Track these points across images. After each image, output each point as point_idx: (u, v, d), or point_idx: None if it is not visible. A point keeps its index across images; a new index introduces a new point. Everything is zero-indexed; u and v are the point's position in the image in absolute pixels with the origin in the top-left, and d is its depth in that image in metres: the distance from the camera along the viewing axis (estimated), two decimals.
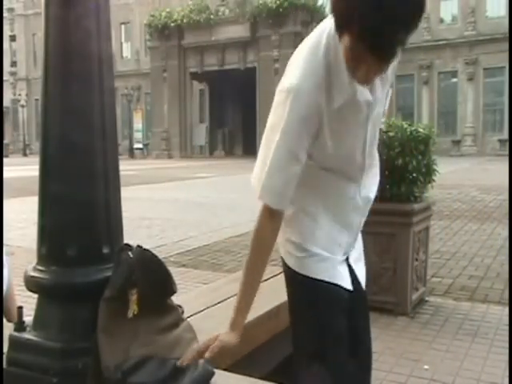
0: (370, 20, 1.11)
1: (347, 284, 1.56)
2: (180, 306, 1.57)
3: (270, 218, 1.43)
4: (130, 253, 1.43)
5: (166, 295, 1.53)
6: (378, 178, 1.71)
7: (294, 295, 1.61)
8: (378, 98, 1.42)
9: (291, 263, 1.59)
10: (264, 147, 1.41)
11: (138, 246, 1.49)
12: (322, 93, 1.32)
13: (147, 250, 1.49)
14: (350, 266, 1.60)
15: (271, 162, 1.37)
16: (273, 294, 2.23)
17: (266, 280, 2.46)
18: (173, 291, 1.54)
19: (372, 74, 1.26)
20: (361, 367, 1.64)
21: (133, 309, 1.40)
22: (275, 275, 2.55)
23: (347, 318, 1.55)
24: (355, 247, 1.65)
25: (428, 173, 3.69)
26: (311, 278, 1.52)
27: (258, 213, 1.44)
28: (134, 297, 1.40)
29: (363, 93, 1.35)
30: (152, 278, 1.47)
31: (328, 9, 33.82)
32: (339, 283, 1.54)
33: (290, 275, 1.61)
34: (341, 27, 1.20)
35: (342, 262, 1.59)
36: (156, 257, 1.51)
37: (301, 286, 1.56)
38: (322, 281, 1.52)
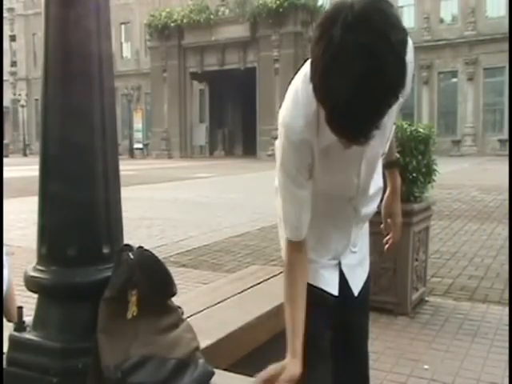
0: (339, 115, 1.03)
1: (331, 288, 1.58)
2: (179, 308, 1.57)
3: (296, 249, 1.48)
4: (130, 254, 1.43)
5: (166, 297, 1.53)
6: (379, 197, 1.74)
7: None
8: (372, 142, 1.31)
9: None
10: (279, 190, 1.50)
11: (140, 246, 1.49)
12: (312, 129, 1.31)
13: (148, 251, 1.49)
14: (341, 272, 1.61)
15: (282, 199, 1.46)
16: (273, 294, 2.23)
17: (265, 280, 2.46)
18: (173, 293, 1.54)
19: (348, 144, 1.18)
20: (355, 374, 1.68)
21: (132, 310, 1.40)
22: (275, 275, 2.55)
23: (333, 324, 1.59)
24: (352, 253, 1.65)
25: (428, 173, 3.69)
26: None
27: (284, 246, 1.51)
28: (133, 298, 1.40)
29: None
30: (152, 280, 1.46)
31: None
32: (321, 286, 1.57)
33: None
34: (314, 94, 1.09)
35: (331, 266, 1.61)
36: (157, 258, 1.51)
37: None
38: (314, 287, 1.54)
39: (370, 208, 1.68)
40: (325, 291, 1.58)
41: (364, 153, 1.41)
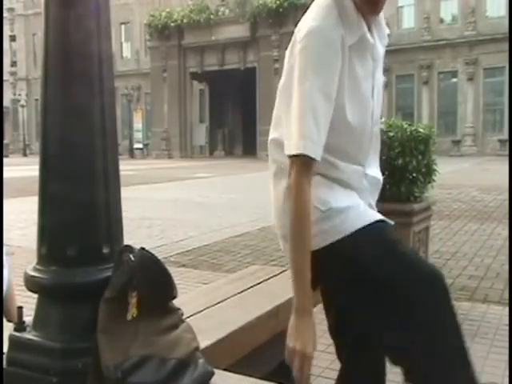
0: None
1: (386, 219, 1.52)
2: (179, 309, 1.57)
3: (307, 173, 1.34)
4: (131, 255, 1.43)
5: (166, 300, 1.53)
6: (378, 156, 1.72)
7: (359, 266, 1.40)
8: (379, 53, 1.48)
9: (331, 236, 1.41)
10: (296, 101, 1.35)
11: (142, 248, 1.49)
12: (340, 25, 1.35)
13: (149, 253, 1.49)
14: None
15: (303, 106, 1.32)
16: (273, 294, 2.23)
17: (265, 280, 2.46)
18: (173, 296, 1.53)
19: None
20: None
21: (132, 312, 1.40)
22: (275, 275, 2.55)
23: None
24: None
25: (428, 173, 3.69)
26: (361, 229, 1.40)
27: (291, 175, 1.34)
28: (133, 300, 1.40)
29: (367, 35, 1.41)
30: (153, 283, 1.46)
31: None
32: (383, 218, 1.49)
33: (336, 253, 1.42)
34: None
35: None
36: (158, 261, 1.50)
37: (357, 247, 1.39)
38: (371, 224, 1.42)
39: (377, 172, 1.69)
40: (387, 222, 1.49)
41: (375, 61, 1.47)
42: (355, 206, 1.44)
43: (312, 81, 1.32)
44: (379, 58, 1.48)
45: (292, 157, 1.34)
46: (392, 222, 1.51)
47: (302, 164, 1.33)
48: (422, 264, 1.41)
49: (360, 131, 1.45)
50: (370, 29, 1.43)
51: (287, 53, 1.46)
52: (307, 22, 1.37)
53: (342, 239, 1.39)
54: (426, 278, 1.35)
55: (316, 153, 1.33)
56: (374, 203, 1.61)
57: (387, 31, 1.52)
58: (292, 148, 1.33)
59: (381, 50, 1.48)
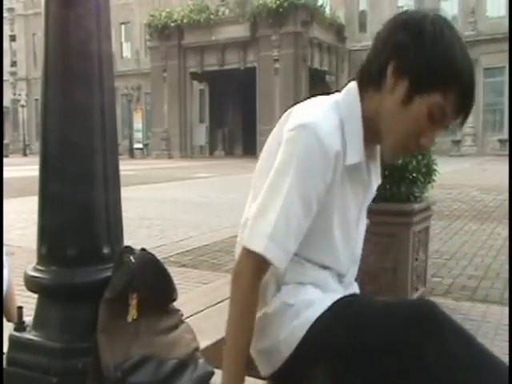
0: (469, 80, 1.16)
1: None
2: (179, 310, 1.57)
3: (262, 274, 1.18)
4: (131, 257, 1.42)
5: (166, 302, 1.52)
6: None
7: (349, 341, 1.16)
8: (371, 192, 1.33)
9: (301, 330, 1.21)
10: (268, 192, 1.17)
11: (142, 249, 1.49)
12: (339, 138, 1.17)
13: (150, 254, 1.49)
14: None
15: (282, 210, 1.13)
16: None
17: None
18: (173, 299, 1.53)
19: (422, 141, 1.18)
20: None
21: (132, 313, 1.40)
22: None
23: None
24: None
25: (428, 173, 3.69)
26: (327, 311, 1.21)
27: (242, 271, 1.16)
28: (134, 301, 1.40)
29: (364, 167, 1.24)
30: (153, 285, 1.46)
31: (328, 9, 33.83)
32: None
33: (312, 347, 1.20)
34: (426, 86, 1.13)
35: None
36: (159, 262, 1.50)
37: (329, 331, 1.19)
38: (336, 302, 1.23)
39: (354, 283, 1.38)
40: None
41: (365, 196, 1.30)
42: (324, 296, 1.24)
43: (293, 180, 1.13)
44: (369, 195, 1.31)
45: (251, 250, 1.15)
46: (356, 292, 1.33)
47: (261, 264, 1.15)
48: (404, 307, 1.19)
49: (342, 257, 1.27)
50: (367, 164, 1.25)
51: (273, 131, 1.28)
52: (301, 116, 1.18)
53: (310, 329, 1.20)
54: (415, 321, 1.11)
55: (282, 262, 1.15)
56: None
57: (379, 172, 1.37)
58: (255, 243, 1.14)
59: (375, 186, 1.33)
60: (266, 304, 1.24)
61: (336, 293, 1.25)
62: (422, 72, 1.13)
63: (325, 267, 1.26)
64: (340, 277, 1.29)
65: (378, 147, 1.28)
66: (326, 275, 1.26)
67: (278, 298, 1.23)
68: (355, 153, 1.18)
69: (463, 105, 1.16)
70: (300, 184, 1.13)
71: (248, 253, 1.16)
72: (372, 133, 1.19)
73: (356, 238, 1.30)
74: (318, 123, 1.14)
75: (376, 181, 1.35)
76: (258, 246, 1.14)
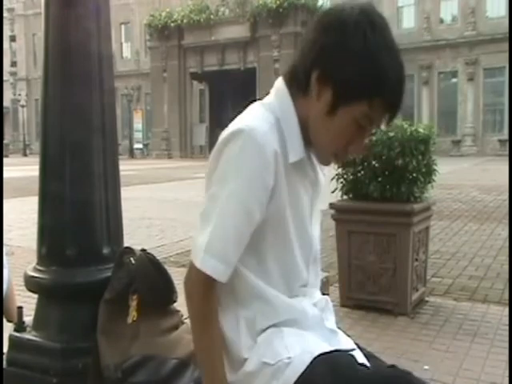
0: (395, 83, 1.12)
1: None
2: (179, 311, 1.57)
3: (209, 293, 1.15)
4: (132, 258, 1.42)
5: (166, 303, 1.52)
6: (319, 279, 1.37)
7: None
8: (319, 183, 1.29)
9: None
10: (207, 204, 1.15)
11: (143, 249, 1.49)
12: (277, 139, 1.13)
13: (150, 255, 1.48)
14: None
15: (218, 220, 1.11)
16: None
17: None
18: (173, 300, 1.53)
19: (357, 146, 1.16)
20: None
21: (132, 315, 1.40)
22: None
23: None
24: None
25: (428, 173, 3.69)
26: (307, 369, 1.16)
27: (194, 284, 1.15)
28: (134, 303, 1.40)
29: (306, 161, 1.21)
30: (153, 287, 1.46)
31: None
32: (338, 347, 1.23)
33: None
34: (351, 96, 1.10)
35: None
36: (159, 264, 1.50)
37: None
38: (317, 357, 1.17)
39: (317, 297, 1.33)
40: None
41: (316, 191, 1.27)
42: (306, 348, 1.18)
43: (230, 188, 1.10)
44: (318, 189, 1.27)
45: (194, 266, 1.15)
46: (350, 346, 1.26)
47: (206, 279, 1.13)
48: (382, 379, 1.19)
49: (301, 253, 1.24)
50: (310, 159, 1.23)
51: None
52: (236, 122, 1.14)
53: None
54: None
55: (221, 275, 1.13)
56: (331, 321, 1.31)
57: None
58: (194, 258, 1.14)
59: (322, 179, 1.30)
60: (242, 359, 1.19)
61: (310, 320, 1.22)
62: (346, 81, 1.09)
63: (286, 273, 1.22)
64: (301, 280, 1.25)
65: None
66: (293, 295, 1.23)
67: (256, 353, 1.18)
68: (296, 150, 1.15)
69: (390, 111, 1.13)
70: (238, 191, 1.10)
71: (191, 268, 1.14)
72: (306, 133, 1.17)
73: (312, 234, 1.26)
74: (251, 125, 1.11)
75: (322, 174, 1.32)
76: (196, 261, 1.13)
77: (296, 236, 1.21)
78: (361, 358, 1.23)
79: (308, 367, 1.14)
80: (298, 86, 1.16)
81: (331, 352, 1.17)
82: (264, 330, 1.20)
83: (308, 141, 1.17)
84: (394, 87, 1.11)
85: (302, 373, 1.13)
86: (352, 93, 1.09)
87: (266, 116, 1.15)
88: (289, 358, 1.15)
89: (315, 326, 1.24)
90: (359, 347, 1.30)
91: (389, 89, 1.10)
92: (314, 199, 1.25)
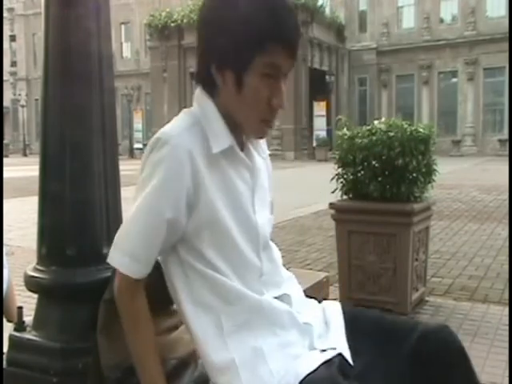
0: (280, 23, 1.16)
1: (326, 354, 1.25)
2: None
3: (130, 291, 1.21)
4: None
5: (165, 304, 1.52)
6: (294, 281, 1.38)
7: None
8: (256, 166, 1.30)
9: None
10: (132, 209, 1.20)
11: None
12: (194, 136, 1.19)
13: None
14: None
15: (131, 219, 1.19)
16: None
17: None
18: (172, 301, 1.53)
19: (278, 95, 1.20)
20: None
21: None
22: None
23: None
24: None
25: (428, 173, 3.69)
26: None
27: (116, 290, 1.22)
28: None
29: (236, 147, 1.24)
30: (153, 286, 1.46)
31: (328, 9, 33.83)
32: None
33: None
34: (237, 58, 1.16)
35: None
36: (158, 264, 1.50)
37: None
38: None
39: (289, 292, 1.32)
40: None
41: (254, 178, 1.28)
42: (291, 367, 1.18)
43: (147, 191, 1.17)
44: (257, 171, 1.29)
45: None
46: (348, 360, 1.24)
47: (126, 283, 1.21)
48: None
49: (248, 249, 1.24)
50: (242, 142, 1.28)
51: None
52: (159, 131, 1.21)
53: None
54: None
55: (132, 271, 1.19)
56: (304, 313, 1.30)
57: (264, 145, 1.38)
58: (114, 260, 1.20)
59: (261, 164, 1.32)
60: (213, 361, 1.21)
61: (283, 318, 1.23)
62: (235, 49, 1.16)
63: (237, 268, 1.22)
64: (255, 270, 1.25)
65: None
66: (253, 287, 1.23)
67: (241, 381, 1.18)
68: (220, 141, 1.20)
69: (288, 48, 1.17)
70: (151, 194, 1.16)
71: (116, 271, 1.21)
72: (233, 124, 1.23)
73: (256, 221, 1.26)
74: (165, 132, 1.18)
75: (264, 162, 1.37)
76: (120, 264, 1.19)
77: (237, 226, 1.22)
78: (346, 353, 1.25)
79: None
80: (208, 86, 1.24)
81: (317, 369, 1.16)
82: (235, 331, 1.20)
83: (236, 127, 1.24)
84: (276, 23, 1.15)
85: None
86: (244, 59, 1.16)
87: (185, 120, 1.23)
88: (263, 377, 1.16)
89: (288, 324, 1.24)
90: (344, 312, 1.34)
91: (273, 27, 1.14)
92: (254, 186, 1.27)
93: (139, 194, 1.18)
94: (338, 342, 1.27)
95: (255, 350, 1.19)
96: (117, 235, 1.21)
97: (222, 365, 1.20)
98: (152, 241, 1.19)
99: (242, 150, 1.27)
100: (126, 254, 1.18)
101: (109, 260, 1.21)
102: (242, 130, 1.26)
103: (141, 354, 1.21)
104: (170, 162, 1.15)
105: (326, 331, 1.31)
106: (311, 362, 1.19)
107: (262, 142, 1.36)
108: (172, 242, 1.22)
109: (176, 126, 1.21)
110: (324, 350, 1.24)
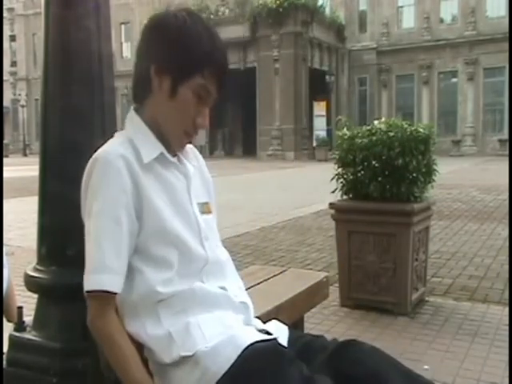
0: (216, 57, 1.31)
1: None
2: None
3: (105, 310, 1.21)
4: None
5: None
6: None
7: None
8: (188, 171, 1.37)
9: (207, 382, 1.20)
10: (86, 227, 1.26)
11: None
12: (128, 148, 1.27)
13: None
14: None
15: (91, 235, 1.22)
16: (273, 294, 2.23)
17: (265, 280, 2.46)
18: None
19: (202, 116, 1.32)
20: None
21: None
22: (275, 275, 2.54)
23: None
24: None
25: (428, 173, 3.69)
26: (239, 358, 1.20)
27: (90, 315, 1.22)
28: None
29: (166, 154, 1.32)
30: None
31: (328, 9, 33.81)
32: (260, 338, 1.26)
33: None
34: (180, 75, 1.27)
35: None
36: None
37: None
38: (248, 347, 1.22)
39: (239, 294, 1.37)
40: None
41: (189, 188, 1.35)
42: (225, 333, 1.23)
43: (97, 207, 1.22)
44: (190, 173, 1.37)
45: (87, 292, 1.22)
46: (275, 336, 1.30)
47: (99, 304, 1.21)
48: None
49: (192, 239, 1.30)
50: (173, 150, 1.35)
51: None
52: (95, 153, 1.28)
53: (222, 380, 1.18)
54: None
55: (117, 285, 1.21)
56: (240, 294, 1.37)
57: (195, 153, 1.45)
58: (92, 282, 1.21)
59: (191, 168, 1.38)
60: (160, 358, 1.23)
61: (218, 299, 1.28)
62: (177, 63, 1.27)
63: (183, 259, 1.27)
64: (200, 259, 1.30)
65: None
66: (192, 274, 1.28)
67: (175, 347, 1.22)
68: (149, 151, 1.28)
69: (219, 78, 1.30)
70: (101, 207, 1.22)
71: (87, 295, 1.22)
72: (161, 134, 1.31)
73: (196, 214, 1.33)
74: (98, 152, 1.26)
75: (197, 169, 1.44)
76: (88, 283, 1.21)
77: (179, 220, 1.29)
78: (282, 338, 1.32)
79: (236, 361, 1.19)
80: (142, 91, 1.33)
81: (258, 342, 1.22)
82: (171, 316, 1.25)
83: (164, 137, 1.32)
84: (217, 57, 1.31)
85: (231, 366, 1.18)
86: (184, 71, 1.27)
87: (117, 139, 1.31)
88: (206, 347, 1.20)
89: (224, 304, 1.30)
90: None
91: (213, 59, 1.29)
92: (189, 185, 1.35)
93: (91, 215, 1.23)
94: (279, 338, 1.31)
95: (189, 322, 1.24)
96: (87, 262, 1.21)
97: (159, 340, 1.23)
98: (121, 249, 1.22)
99: (173, 156, 1.35)
100: (103, 272, 1.19)
101: (86, 286, 1.20)
102: (168, 139, 1.33)
103: (122, 363, 1.21)
104: (109, 170, 1.22)
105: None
106: (251, 334, 1.25)
107: (191, 151, 1.43)
108: (133, 247, 1.25)
109: (107, 144, 1.28)
110: (261, 331, 1.31)
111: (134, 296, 1.25)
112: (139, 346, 1.25)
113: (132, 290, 1.25)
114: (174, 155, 1.35)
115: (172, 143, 1.33)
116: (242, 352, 1.19)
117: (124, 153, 1.25)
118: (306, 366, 1.21)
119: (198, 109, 1.31)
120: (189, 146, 1.42)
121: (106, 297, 1.20)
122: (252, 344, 1.21)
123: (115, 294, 1.21)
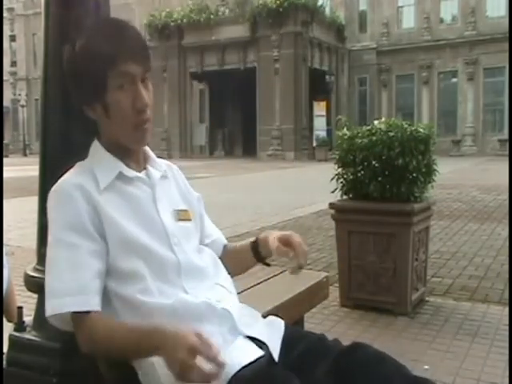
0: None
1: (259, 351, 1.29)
2: None
3: (86, 330, 1.21)
4: None
5: None
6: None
7: None
8: (153, 180, 1.37)
9: None
10: (47, 254, 1.28)
11: None
12: (84, 176, 1.30)
13: None
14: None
15: (51, 265, 1.25)
16: (273, 294, 2.23)
17: (265, 280, 2.46)
18: None
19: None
20: None
21: None
22: (275, 275, 2.54)
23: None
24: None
25: (428, 173, 3.69)
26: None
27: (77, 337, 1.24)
28: None
29: (125, 171, 1.33)
30: None
31: (328, 9, 33.81)
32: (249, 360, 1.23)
33: None
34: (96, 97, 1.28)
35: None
36: None
37: None
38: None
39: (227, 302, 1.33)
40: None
41: (155, 198, 1.35)
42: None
43: (53, 234, 1.26)
44: (157, 182, 1.37)
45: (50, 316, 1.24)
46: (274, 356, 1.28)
47: (78, 323, 1.22)
48: None
49: (160, 247, 1.30)
50: (139, 164, 1.38)
51: None
52: (55, 185, 1.31)
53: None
54: None
55: (88, 304, 1.21)
56: (224, 300, 1.33)
57: (160, 161, 1.46)
58: (54, 306, 1.23)
59: (156, 177, 1.38)
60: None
61: (200, 308, 1.25)
62: (89, 86, 1.27)
63: (154, 268, 1.27)
64: (172, 265, 1.29)
65: (144, 153, 1.42)
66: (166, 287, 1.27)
67: (153, 371, 1.19)
68: (106, 176, 1.30)
69: (133, 55, 1.28)
70: (56, 235, 1.24)
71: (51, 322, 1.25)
72: (122, 151, 1.33)
73: (163, 220, 1.33)
74: (58, 182, 1.28)
75: (172, 176, 1.47)
76: (52, 307, 1.22)
77: (145, 231, 1.29)
78: (276, 341, 1.32)
79: None
80: (94, 123, 1.34)
81: (245, 367, 1.19)
82: None
83: (125, 152, 1.34)
84: (117, 40, 1.25)
85: None
86: (101, 85, 1.25)
87: (75, 169, 1.33)
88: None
89: (207, 314, 1.26)
90: None
91: (116, 58, 1.24)
92: (155, 193, 1.35)
93: (48, 246, 1.26)
94: (270, 341, 1.31)
95: None
96: (46, 290, 1.23)
97: (145, 367, 1.22)
98: (80, 270, 1.21)
99: (140, 170, 1.36)
100: (64, 295, 1.20)
101: (48, 312, 1.21)
102: (128, 149, 1.35)
103: (130, 352, 1.19)
104: (63, 199, 1.25)
105: (255, 322, 1.37)
106: (237, 357, 1.20)
107: (163, 163, 1.46)
108: (104, 266, 1.25)
109: (65, 176, 1.30)
110: (251, 338, 1.28)
111: (120, 318, 1.24)
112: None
113: (116, 313, 1.24)
114: (143, 168, 1.37)
115: (133, 145, 1.35)
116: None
117: (81, 182, 1.27)
118: (299, 382, 1.17)
119: (131, 95, 1.29)
120: (162, 161, 1.46)
121: (77, 317, 1.20)
122: (239, 371, 1.17)
123: (85, 312, 1.20)
